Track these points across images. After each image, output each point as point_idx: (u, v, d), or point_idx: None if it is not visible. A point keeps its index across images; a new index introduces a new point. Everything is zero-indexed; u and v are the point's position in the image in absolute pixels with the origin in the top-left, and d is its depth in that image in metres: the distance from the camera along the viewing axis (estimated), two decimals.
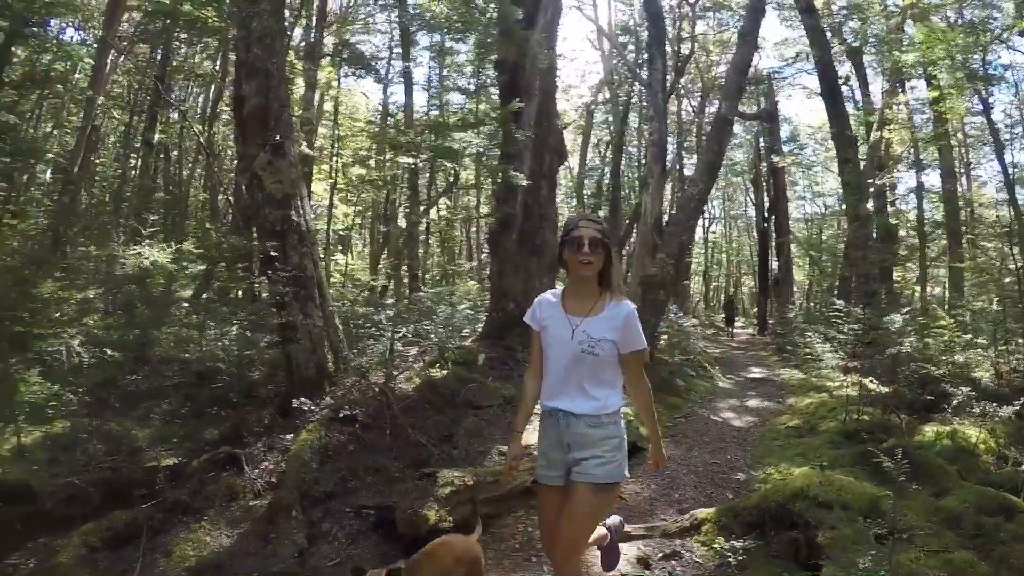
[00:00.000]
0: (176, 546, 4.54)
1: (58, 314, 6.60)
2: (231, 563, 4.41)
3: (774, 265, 26.04)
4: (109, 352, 5.99)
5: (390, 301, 10.77)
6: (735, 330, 25.98)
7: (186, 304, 8.53)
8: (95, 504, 4.84)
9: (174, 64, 15.89)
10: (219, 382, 6.51)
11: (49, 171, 14.47)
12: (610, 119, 27.34)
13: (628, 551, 4.58)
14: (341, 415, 5.91)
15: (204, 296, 10.02)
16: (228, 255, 9.51)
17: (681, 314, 16.54)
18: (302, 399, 5.83)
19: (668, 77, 18.22)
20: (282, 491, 4.99)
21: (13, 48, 11.79)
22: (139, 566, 4.30)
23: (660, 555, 4.63)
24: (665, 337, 12.87)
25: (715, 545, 4.58)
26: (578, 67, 55.83)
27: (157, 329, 6.71)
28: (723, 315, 28.26)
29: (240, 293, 11.49)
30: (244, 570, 4.33)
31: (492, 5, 10.48)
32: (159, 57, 14.95)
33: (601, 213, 22.91)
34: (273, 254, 6.36)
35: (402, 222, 18.10)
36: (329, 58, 15.93)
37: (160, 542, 4.58)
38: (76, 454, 5.44)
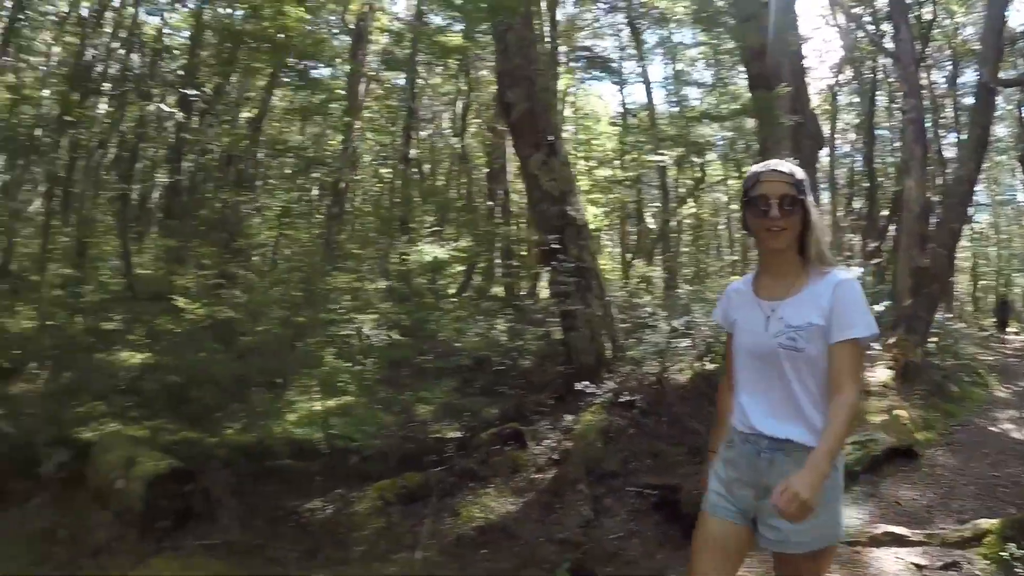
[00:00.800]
0: (463, 508, 4.84)
1: (335, 307, 7.43)
2: (516, 527, 4.63)
3: None
4: (395, 336, 6.74)
5: (647, 299, 11.01)
6: (1008, 335, 22.98)
7: (453, 300, 9.36)
8: (390, 465, 5.31)
9: (419, 84, 17.17)
10: (495, 368, 7.00)
11: (316, 188, 16.44)
12: (856, 100, 25.29)
13: (906, 557, 4.27)
14: (621, 400, 6.04)
15: (465, 294, 10.93)
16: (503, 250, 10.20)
17: (949, 315, 14.97)
18: (585, 383, 6.05)
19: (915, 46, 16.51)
20: (568, 466, 5.18)
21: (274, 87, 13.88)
22: (429, 521, 4.62)
23: (939, 564, 4.22)
24: (935, 339, 11.77)
25: (1002, 554, 4.15)
26: (814, 47, 52.38)
27: (441, 317, 7.43)
28: (994, 318, 25.10)
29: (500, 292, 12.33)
30: (529, 535, 4.52)
31: None
32: (407, 81, 16.31)
33: (856, 204, 21.11)
34: (555, 247, 6.67)
35: (650, 221, 18.24)
36: (566, 64, 16.45)
37: (448, 503, 4.90)
38: (370, 421, 6.03)
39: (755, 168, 2.28)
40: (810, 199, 2.20)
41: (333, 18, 15.34)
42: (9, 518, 4.50)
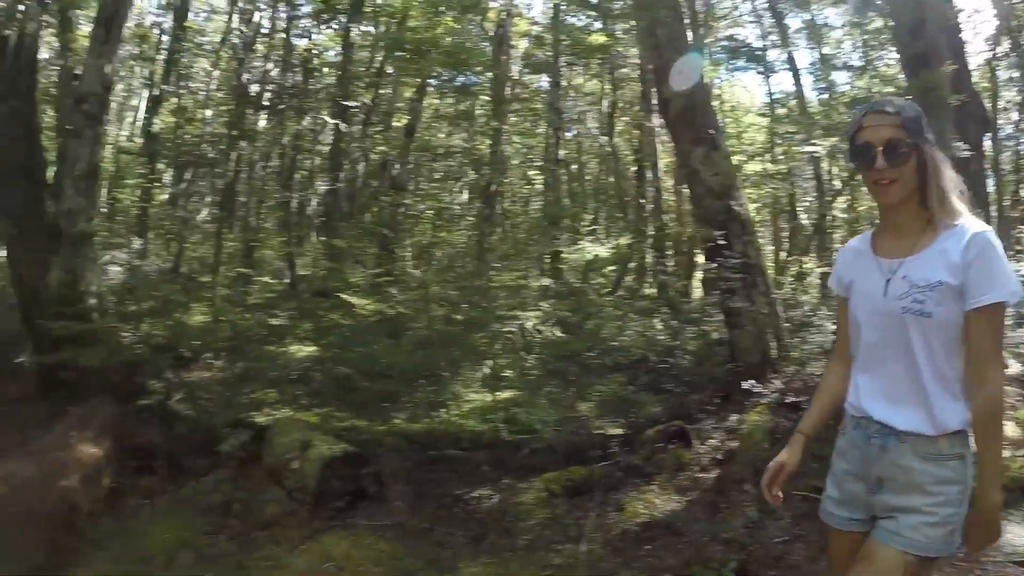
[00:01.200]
0: (627, 503, 4.80)
1: (497, 304, 7.56)
2: (681, 525, 4.54)
3: None
4: (557, 333, 6.80)
5: (804, 297, 10.69)
6: None
7: (607, 298, 9.41)
8: (556, 458, 5.31)
9: (563, 86, 17.30)
10: (654, 366, 6.91)
11: (466, 192, 17.01)
12: (1016, 75, 22.98)
13: None
14: (786, 401, 5.81)
15: (617, 292, 10.95)
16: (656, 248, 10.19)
17: None
18: (752, 382, 5.89)
19: None
20: (734, 465, 5.03)
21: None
22: (593, 515, 4.61)
23: None
24: None
25: None
26: (967, 18, 48.19)
27: (603, 314, 7.48)
28: None
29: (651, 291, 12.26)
30: (693, 534, 4.43)
31: None
32: (551, 83, 16.47)
33: None
34: (721, 243, 6.51)
35: (804, 216, 17.56)
36: (709, 55, 16.08)
37: (612, 498, 4.88)
38: (545, 414, 6.06)
39: (857, 111, 1.96)
40: (928, 139, 1.86)
41: (471, 27, 15.78)
42: (188, 491, 4.85)
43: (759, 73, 16.27)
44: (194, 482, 4.92)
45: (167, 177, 15.06)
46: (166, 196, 14.75)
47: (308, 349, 7.45)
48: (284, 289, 11.56)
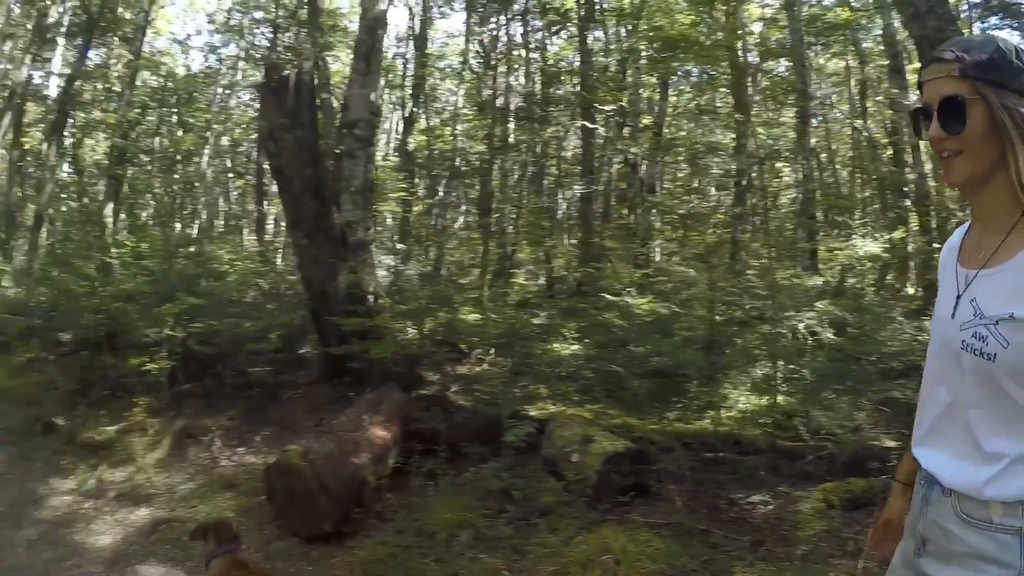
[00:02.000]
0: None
1: (776, 302, 7.38)
2: None
3: None
4: (831, 336, 6.55)
5: None
6: None
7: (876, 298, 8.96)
8: (834, 468, 5.14)
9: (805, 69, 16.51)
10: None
11: (714, 188, 16.87)
12: None
13: None
14: None
15: (880, 292, 10.36)
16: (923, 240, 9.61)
17: None
18: None
19: None
20: None
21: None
22: (872, 531, 4.44)
23: None
24: None
25: None
26: None
27: (887, 317, 7.13)
28: None
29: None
30: None
31: None
32: (794, 67, 15.76)
33: None
34: None
35: None
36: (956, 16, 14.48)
37: None
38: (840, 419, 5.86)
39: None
40: (1011, 87, 1.27)
41: (702, 18, 15.54)
42: (469, 475, 5.13)
43: (1014, 29, 14.07)
44: (474, 468, 5.18)
45: (422, 190, 16.56)
46: (421, 207, 16.20)
47: (573, 347, 7.80)
48: (540, 289, 12.17)
